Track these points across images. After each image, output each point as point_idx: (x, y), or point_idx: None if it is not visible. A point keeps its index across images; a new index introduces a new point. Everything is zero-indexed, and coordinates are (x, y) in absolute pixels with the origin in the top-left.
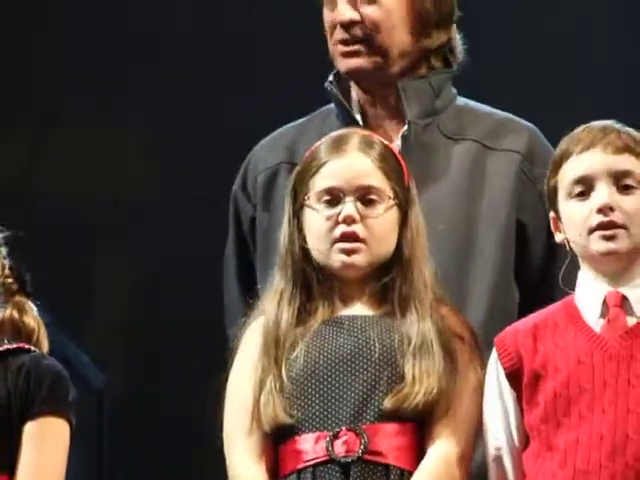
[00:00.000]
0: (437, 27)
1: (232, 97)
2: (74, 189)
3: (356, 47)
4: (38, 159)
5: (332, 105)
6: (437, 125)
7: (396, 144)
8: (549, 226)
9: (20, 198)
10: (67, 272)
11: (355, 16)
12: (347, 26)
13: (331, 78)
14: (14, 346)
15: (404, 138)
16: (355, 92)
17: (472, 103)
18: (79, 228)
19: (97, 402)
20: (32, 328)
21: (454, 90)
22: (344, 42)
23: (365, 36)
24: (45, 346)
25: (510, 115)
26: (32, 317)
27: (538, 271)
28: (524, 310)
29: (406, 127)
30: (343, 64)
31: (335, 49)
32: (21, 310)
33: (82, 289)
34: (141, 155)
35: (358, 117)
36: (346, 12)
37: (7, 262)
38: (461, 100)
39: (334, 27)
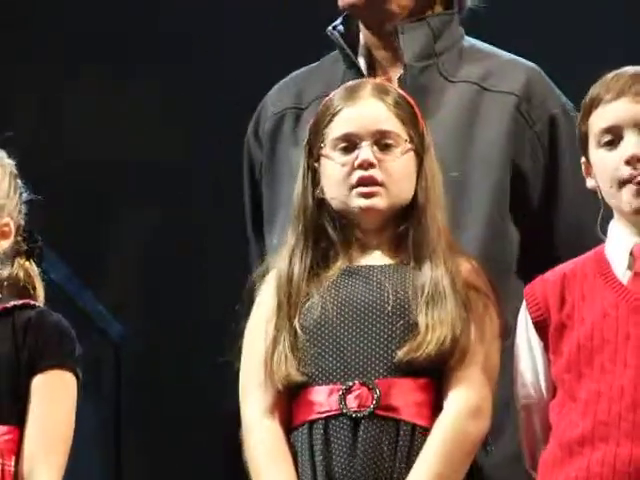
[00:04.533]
0: None
1: (245, 59)
2: (88, 144)
3: None
4: (57, 119)
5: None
6: (437, 67)
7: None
8: (547, 171)
9: (35, 152)
10: (85, 225)
11: None
12: None
13: (338, 22)
14: (20, 302)
15: (400, 80)
16: (363, 35)
17: (479, 44)
18: (96, 181)
19: (114, 353)
20: (39, 295)
21: (461, 31)
22: None
23: None
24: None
25: (513, 56)
26: (39, 283)
27: (538, 215)
28: (525, 256)
29: (400, 72)
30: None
31: None
32: (30, 275)
33: (100, 242)
34: (157, 118)
35: (361, 60)
36: None
37: (23, 223)
38: (468, 41)
39: None
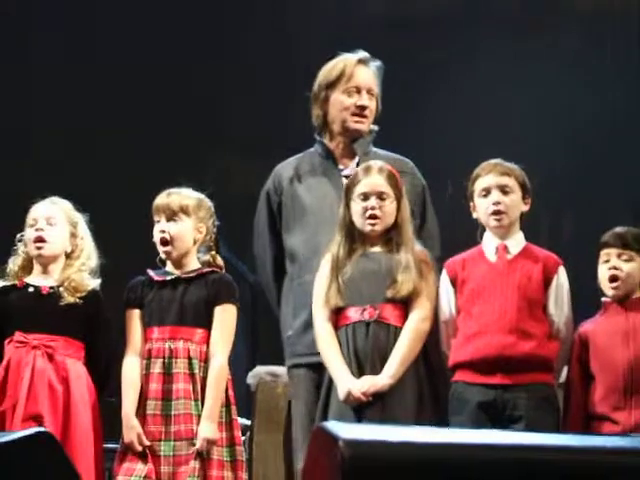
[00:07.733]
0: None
1: None
2: None
3: (365, 118)
4: None
5: (314, 148)
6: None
7: (351, 168)
8: (421, 214)
9: None
10: (232, 220)
11: (368, 103)
12: (363, 107)
13: (317, 132)
14: (209, 269)
15: (356, 166)
16: (326, 140)
17: (380, 150)
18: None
19: (250, 290)
20: (221, 266)
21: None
22: (361, 111)
23: (370, 113)
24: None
25: (397, 155)
26: (221, 262)
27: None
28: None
29: (357, 160)
30: (354, 124)
31: (351, 115)
32: (214, 258)
33: (243, 230)
34: None
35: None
36: (365, 100)
37: (213, 232)
38: (374, 148)
39: (355, 105)
